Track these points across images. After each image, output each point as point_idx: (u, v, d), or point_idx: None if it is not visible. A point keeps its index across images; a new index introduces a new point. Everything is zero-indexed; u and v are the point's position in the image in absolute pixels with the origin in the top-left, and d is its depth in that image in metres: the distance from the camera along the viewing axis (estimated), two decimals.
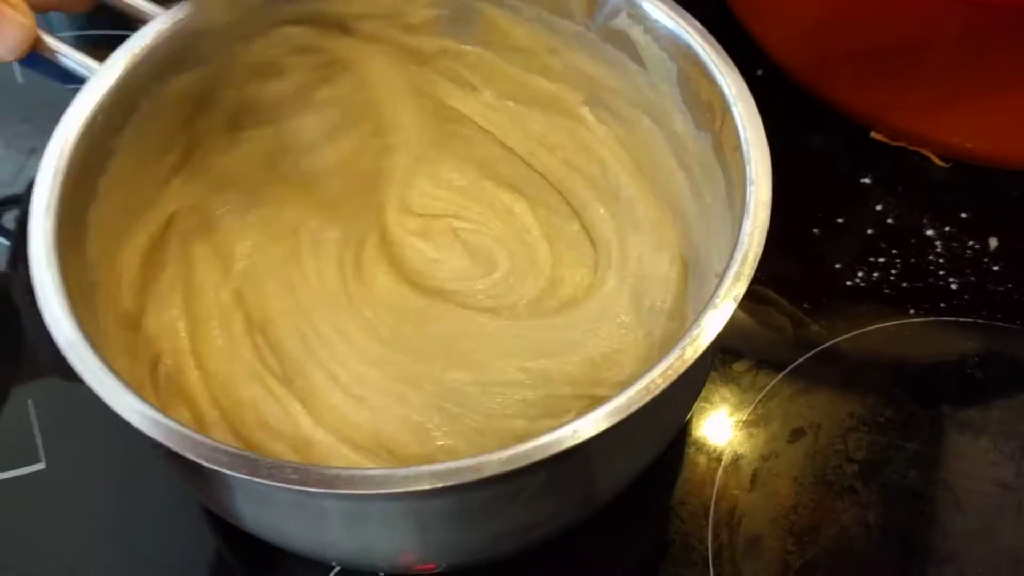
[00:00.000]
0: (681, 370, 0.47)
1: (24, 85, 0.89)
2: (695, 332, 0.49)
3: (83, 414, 0.71)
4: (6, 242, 0.82)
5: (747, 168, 0.56)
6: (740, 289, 0.50)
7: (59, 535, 0.68)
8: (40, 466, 0.70)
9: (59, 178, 0.56)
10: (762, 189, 0.55)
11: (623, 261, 0.70)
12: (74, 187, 0.57)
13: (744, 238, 0.52)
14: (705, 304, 0.50)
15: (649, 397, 0.46)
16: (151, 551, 0.68)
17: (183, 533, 0.68)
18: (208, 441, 0.47)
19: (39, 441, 0.71)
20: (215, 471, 0.47)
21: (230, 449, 0.47)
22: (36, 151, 0.87)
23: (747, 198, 0.54)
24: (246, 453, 0.47)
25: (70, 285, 0.53)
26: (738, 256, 0.51)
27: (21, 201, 0.84)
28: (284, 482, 0.45)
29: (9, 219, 0.84)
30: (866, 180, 0.84)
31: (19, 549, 0.68)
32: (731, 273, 0.51)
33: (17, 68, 0.72)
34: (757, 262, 0.51)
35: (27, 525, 0.69)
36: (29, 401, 0.73)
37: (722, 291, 0.50)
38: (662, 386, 0.46)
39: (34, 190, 0.56)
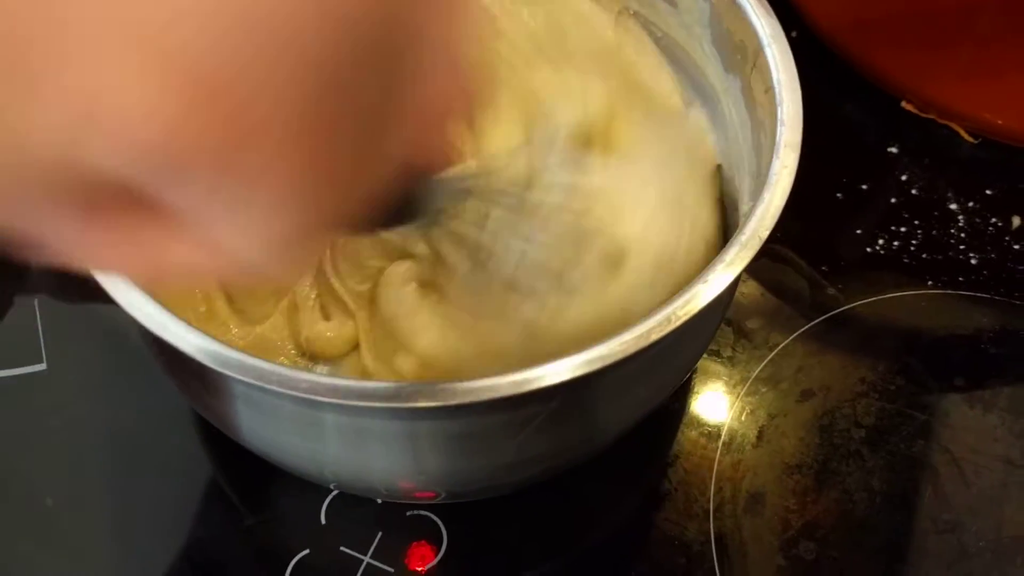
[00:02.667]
0: (704, 301, 0.46)
1: None
2: (719, 265, 0.48)
3: (86, 319, 0.72)
4: None
5: (778, 109, 0.55)
6: (766, 229, 0.49)
7: (56, 436, 0.69)
8: (42, 367, 0.71)
9: None
10: (791, 131, 0.54)
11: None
12: None
13: (772, 177, 0.51)
14: (731, 239, 0.49)
15: (671, 328, 0.46)
16: (142, 458, 0.68)
17: (177, 441, 0.69)
18: (216, 346, 0.46)
19: (42, 342, 0.71)
20: (219, 375, 0.46)
21: (240, 356, 0.46)
22: None
23: (777, 139, 0.53)
24: (256, 360, 0.46)
25: None
26: (765, 196, 0.51)
27: None
28: (294, 390, 0.45)
29: None
30: (893, 150, 0.83)
31: (17, 446, 0.68)
32: (757, 212, 0.50)
33: None
34: (785, 200, 0.50)
35: (26, 423, 0.69)
36: (35, 302, 0.73)
37: (748, 229, 0.49)
38: (683, 318, 0.46)
39: None
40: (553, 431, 0.52)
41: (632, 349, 0.45)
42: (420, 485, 0.58)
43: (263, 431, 0.54)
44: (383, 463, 0.54)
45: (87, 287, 0.49)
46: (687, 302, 0.47)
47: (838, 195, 0.80)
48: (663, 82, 0.71)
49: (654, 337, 0.46)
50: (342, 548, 0.65)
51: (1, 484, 0.67)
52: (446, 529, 0.65)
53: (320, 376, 0.45)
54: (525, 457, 0.53)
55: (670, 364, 0.57)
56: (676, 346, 0.48)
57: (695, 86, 0.69)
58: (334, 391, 0.44)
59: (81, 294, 0.48)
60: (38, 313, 0.73)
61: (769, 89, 0.56)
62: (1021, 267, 0.77)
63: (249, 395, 0.50)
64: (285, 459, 0.57)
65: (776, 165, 0.52)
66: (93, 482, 0.67)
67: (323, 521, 0.65)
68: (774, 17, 0.59)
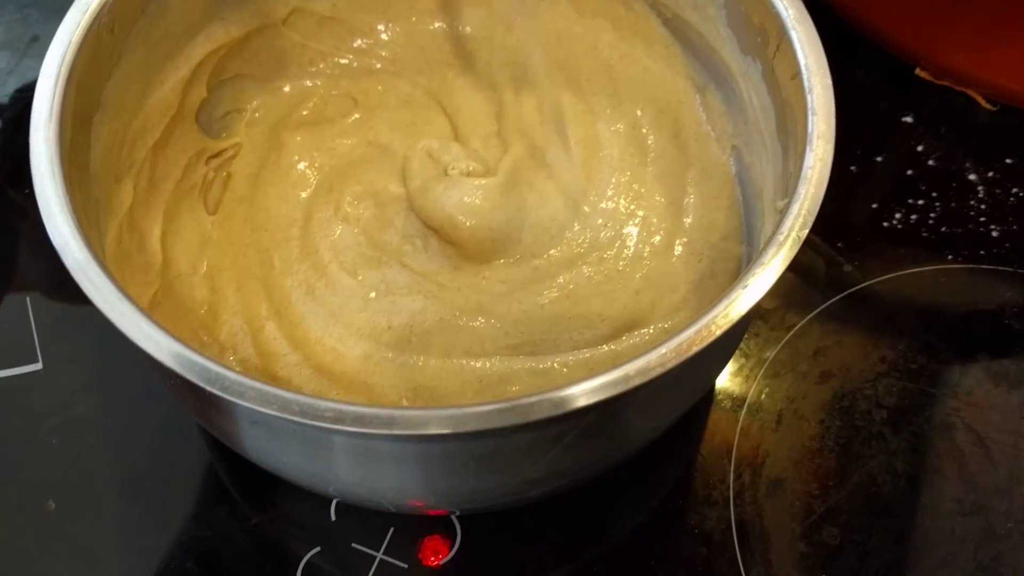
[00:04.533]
0: (745, 308, 0.45)
1: None
2: (757, 268, 0.46)
3: (81, 316, 0.71)
4: None
5: (807, 97, 0.53)
6: (803, 227, 0.48)
7: (56, 436, 0.67)
8: (37, 366, 0.70)
9: (61, 85, 0.53)
10: (823, 120, 0.52)
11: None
12: (77, 95, 0.54)
13: (807, 172, 0.50)
14: (768, 240, 0.48)
15: (711, 338, 0.44)
16: (143, 458, 0.67)
17: (176, 443, 0.68)
18: (230, 374, 0.45)
19: (37, 342, 0.70)
20: (233, 403, 0.45)
21: (254, 383, 0.44)
22: (38, 39, 0.84)
23: (809, 129, 0.51)
24: (272, 388, 0.44)
25: (74, 201, 0.50)
26: (801, 191, 0.49)
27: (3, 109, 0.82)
28: (319, 421, 0.43)
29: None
30: (908, 119, 0.81)
31: (17, 448, 0.67)
32: (793, 209, 0.48)
33: None
34: (821, 198, 0.49)
35: (24, 424, 0.68)
36: (27, 299, 0.72)
37: (784, 227, 0.48)
38: (724, 326, 0.44)
39: (35, 98, 0.53)
40: (584, 446, 0.50)
41: (672, 362, 0.44)
42: (433, 503, 0.57)
43: (272, 449, 0.53)
44: (395, 483, 0.53)
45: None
46: (727, 309, 0.45)
47: (852, 168, 0.78)
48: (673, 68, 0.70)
49: (695, 349, 0.44)
50: (353, 545, 0.64)
51: (2, 487, 0.66)
52: (459, 522, 0.64)
53: (342, 404, 0.43)
54: (552, 472, 0.52)
55: (704, 370, 0.56)
56: (712, 352, 0.46)
57: (708, 68, 0.67)
58: (359, 420, 0.43)
59: (75, 294, 0.47)
60: (31, 312, 0.72)
61: (796, 75, 0.54)
62: None
63: (263, 420, 0.48)
64: (291, 475, 0.56)
65: (810, 158, 0.50)
66: (96, 482, 0.66)
67: (333, 518, 0.64)
68: None
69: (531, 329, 0.63)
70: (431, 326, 0.63)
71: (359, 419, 0.42)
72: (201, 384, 0.44)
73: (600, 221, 0.67)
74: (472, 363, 0.61)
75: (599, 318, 0.63)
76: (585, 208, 0.68)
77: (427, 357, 0.61)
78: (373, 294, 0.64)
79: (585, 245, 0.66)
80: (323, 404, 0.43)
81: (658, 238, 0.66)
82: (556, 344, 0.62)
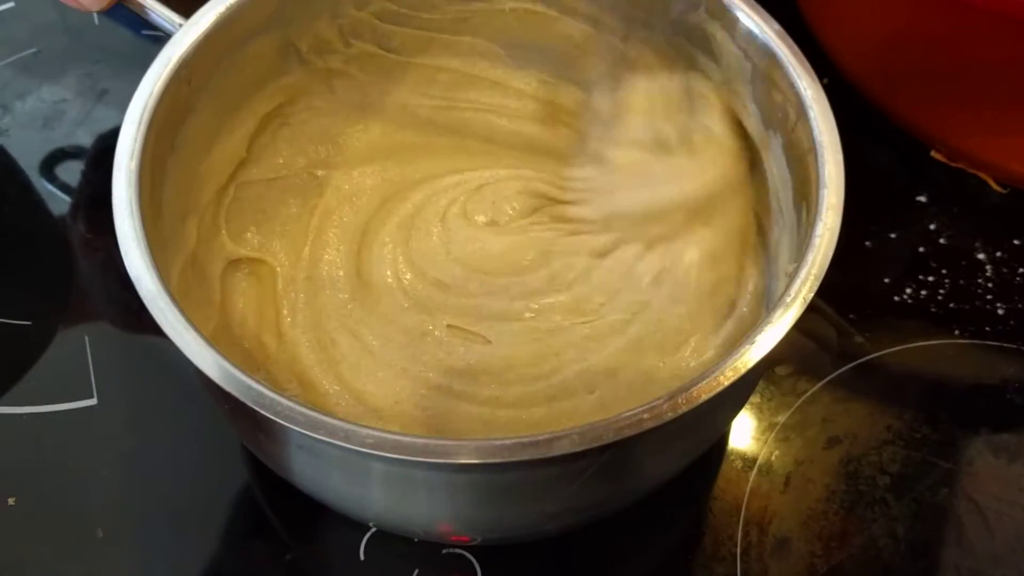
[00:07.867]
0: (752, 362, 0.48)
1: (100, 27, 0.90)
2: (766, 326, 0.49)
3: (136, 353, 0.73)
4: (65, 196, 0.81)
5: (821, 171, 0.56)
6: (810, 290, 0.51)
7: (107, 469, 0.69)
8: (92, 401, 0.71)
9: (143, 129, 0.57)
10: (833, 193, 0.55)
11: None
12: (156, 139, 0.58)
13: (815, 240, 0.53)
14: (776, 301, 0.50)
15: (720, 388, 0.47)
16: (193, 490, 0.69)
17: (227, 474, 0.70)
18: (285, 401, 0.48)
19: (92, 377, 0.72)
20: (283, 427, 0.47)
21: (306, 410, 0.47)
22: (107, 93, 0.87)
23: (820, 201, 0.55)
24: (320, 414, 0.47)
25: (149, 236, 0.54)
26: (809, 257, 0.52)
27: (85, 154, 0.84)
28: (361, 446, 0.46)
29: (68, 170, 0.83)
30: (922, 198, 0.84)
31: (69, 479, 0.69)
32: (802, 273, 0.51)
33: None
34: (827, 264, 0.52)
35: (77, 457, 0.70)
36: (85, 338, 0.74)
37: (792, 290, 0.51)
38: (732, 377, 0.47)
39: (119, 141, 0.57)
40: (600, 483, 0.53)
41: (683, 408, 0.47)
42: (459, 530, 0.59)
43: (315, 474, 0.56)
44: (426, 509, 0.55)
45: (144, 318, 0.50)
46: (735, 362, 0.48)
47: (867, 243, 0.81)
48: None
49: (704, 397, 0.47)
50: None
51: (53, 516, 0.68)
52: (480, 567, 0.65)
53: (383, 432, 0.46)
54: (570, 507, 0.54)
55: (712, 419, 0.58)
56: (720, 402, 0.49)
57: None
58: (397, 447, 0.46)
59: (138, 326, 0.49)
60: (88, 347, 0.74)
61: (811, 150, 0.57)
62: None
63: (308, 444, 0.51)
64: (332, 500, 0.59)
65: (819, 227, 0.53)
66: (143, 514, 0.68)
67: (362, 557, 0.66)
68: (815, 78, 0.60)
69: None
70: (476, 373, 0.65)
71: (397, 446, 0.45)
72: (256, 408, 0.47)
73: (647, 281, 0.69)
74: (518, 413, 0.63)
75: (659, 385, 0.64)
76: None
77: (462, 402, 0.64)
78: (414, 338, 0.67)
79: (637, 307, 0.68)
80: (365, 431, 0.46)
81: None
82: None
